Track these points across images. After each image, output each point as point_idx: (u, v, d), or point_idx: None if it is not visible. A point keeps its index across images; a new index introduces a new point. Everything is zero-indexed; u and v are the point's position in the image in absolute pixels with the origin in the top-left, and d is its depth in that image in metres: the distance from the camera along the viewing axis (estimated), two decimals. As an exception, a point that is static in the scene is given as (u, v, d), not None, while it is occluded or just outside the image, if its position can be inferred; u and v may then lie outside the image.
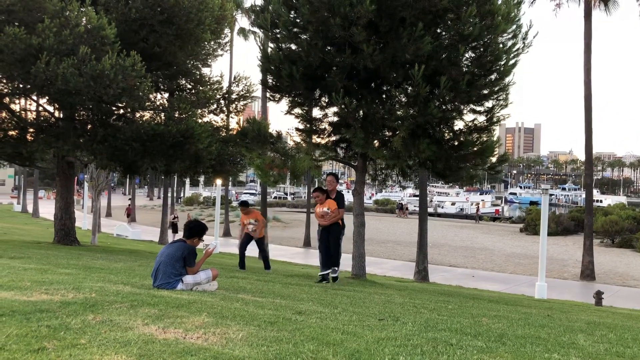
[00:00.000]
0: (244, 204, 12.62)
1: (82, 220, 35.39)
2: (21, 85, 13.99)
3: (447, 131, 11.42)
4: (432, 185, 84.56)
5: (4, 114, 14.89)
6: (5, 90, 14.54)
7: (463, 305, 7.82)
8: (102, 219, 37.30)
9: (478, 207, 64.22)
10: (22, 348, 2.88)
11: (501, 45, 10.48)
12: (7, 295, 4.45)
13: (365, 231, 12.12)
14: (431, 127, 10.84)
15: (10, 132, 14.97)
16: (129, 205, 47.20)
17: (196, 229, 6.23)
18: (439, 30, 10.51)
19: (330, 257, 9.17)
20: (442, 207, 71.53)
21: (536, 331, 5.05)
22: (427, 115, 10.01)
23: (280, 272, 12.52)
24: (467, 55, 10.46)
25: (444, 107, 10.45)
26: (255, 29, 29.30)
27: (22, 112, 15.93)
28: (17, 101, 15.75)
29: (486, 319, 5.72)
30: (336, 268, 9.23)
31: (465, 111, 11.16)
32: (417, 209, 27.60)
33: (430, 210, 43.57)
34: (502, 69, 10.56)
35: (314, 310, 5.03)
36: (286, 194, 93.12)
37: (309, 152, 11.79)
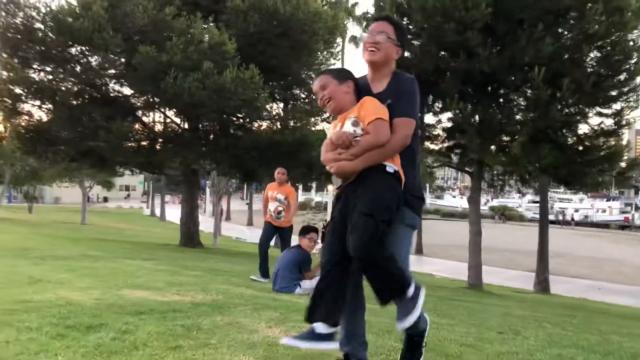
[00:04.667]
0: (283, 165, 8.27)
1: (204, 223, 37.40)
2: (151, 99, 15.15)
3: (570, 135, 10.87)
4: (554, 191, 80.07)
5: (137, 126, 16.21)
6: (138, 104, 15.83)
7: (589, 320, 7.38)
8: (222, 222, 39.17)
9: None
10: (161, 345, 3.13)
11: (631, 43, 9.80)
12: (145, 295, 4.85)
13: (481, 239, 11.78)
14: (553, 132, 10.38)
15: (142, 143, 16.24)
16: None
17: (308, 229, 6.64)
18: (560, 30, 10.04)
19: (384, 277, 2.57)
20: (565, 215, 67.52)
21: (675, 353, 4.65)
22: (549, 120, 9.60)
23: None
24: (591, 55, 9.91)
25: (566, 111, 9.96)
26: (367, 36, 29.40)
27: (152, 124, 17.24)
28: (148, 114, 17.10)
29: (617, 337, 5.36)
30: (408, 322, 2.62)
31: (590, 114, 10.56)
32: (537, 216, 26.32)
33: (551, 217, 41.35)
34: (632, 68, 9.88)
35: (431, 321, 4.95)
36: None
37: (422, 159, 11.70)
